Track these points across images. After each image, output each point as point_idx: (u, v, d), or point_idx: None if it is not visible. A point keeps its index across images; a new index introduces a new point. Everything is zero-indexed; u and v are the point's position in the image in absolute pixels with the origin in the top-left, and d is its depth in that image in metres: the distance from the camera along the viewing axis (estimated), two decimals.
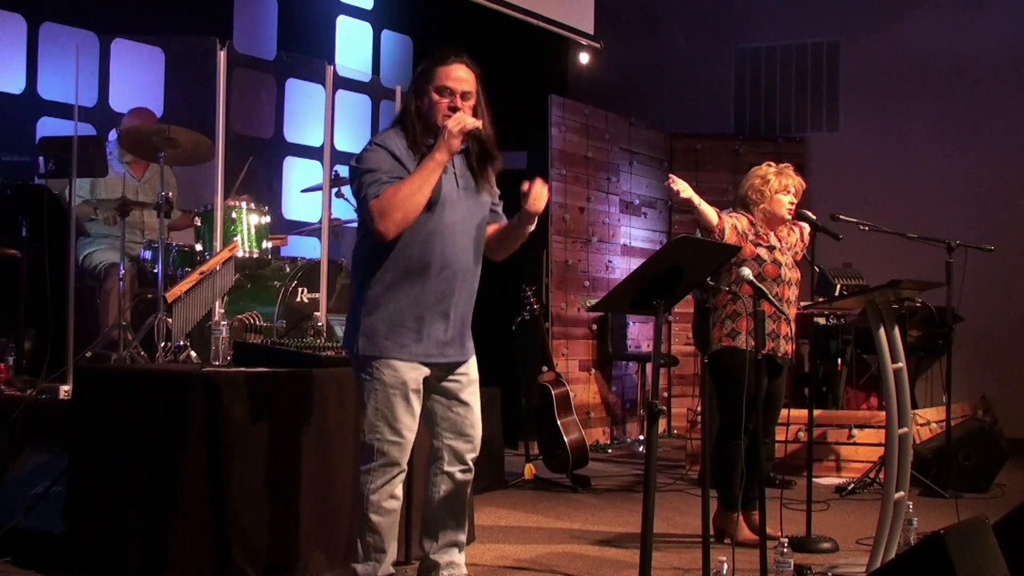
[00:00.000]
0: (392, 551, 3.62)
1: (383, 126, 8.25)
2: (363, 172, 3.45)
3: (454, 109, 3.50)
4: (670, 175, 4.62)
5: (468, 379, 3.69)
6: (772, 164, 4.95)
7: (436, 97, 3.52)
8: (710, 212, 4.70)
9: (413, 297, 3.51)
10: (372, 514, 3.53)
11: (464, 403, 3.68)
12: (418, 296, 3.51)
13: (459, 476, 3.70)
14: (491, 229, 3.73)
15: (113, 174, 5.77)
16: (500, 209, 3.77)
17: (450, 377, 3.66)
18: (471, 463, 3.72)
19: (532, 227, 3.66)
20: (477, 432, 3.72)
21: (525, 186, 3.59)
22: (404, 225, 3.42)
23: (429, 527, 3.75)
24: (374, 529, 3.54)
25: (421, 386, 3.56)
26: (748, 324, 4.64)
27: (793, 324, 4.87)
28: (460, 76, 3.53)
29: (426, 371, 3.57)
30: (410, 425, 3.54)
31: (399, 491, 3.58)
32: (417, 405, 3.56)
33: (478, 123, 3.49)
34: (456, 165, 3.59)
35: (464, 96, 3.54)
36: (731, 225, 4.75)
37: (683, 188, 4.56)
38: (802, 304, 5.30)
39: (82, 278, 5.61)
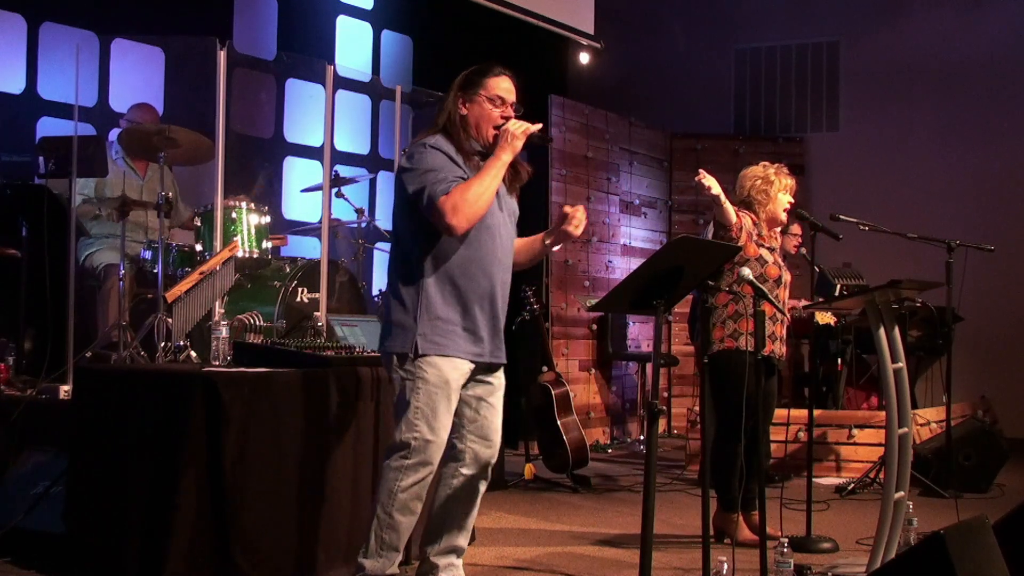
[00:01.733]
0: (402, 551, 3.63)
1: (383, 126, 8.31)
2: (424, 171, 3.49)
3: (507, 117, 3.62)
4: (700, 170, 4.56)
5: (499, 382, 3.74)
6: (768, 164, 4.95)
7: (489, 107, 3.62)
8: (732, 211, 4.70)
9: (468, 297, 3.57)
10: (396, 512, 3.53)
11: (492, 406, 3.71)
12: (472, 296, 3.57)
13: (476, 482, 3.72)
14: (518, 241, 3.81)
15: (116, 173, 5.77)
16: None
17: (485, 379, 3.68)
18: (489, 472, 3.74)
19: (557, 248, 3.88)
20: (499, 437, 3.75)
21: (568, 209, 3.71)
22: (474, 221, 3.48)
23: (433, 527, 3.75)
24: (395, 527, 3.55)
25: (460, 386, 3.60)
26: (749, 325, 4.64)
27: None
28: (509, 87, 3.67)
29: (468, 371, 3.60)
30: (447, 425, 3.58)
31: (424, 493, 3.59)
32: (455, 405, 3.60)
33: (538, 125, 3.61)
34: None
35: (512, 106, 3.66)
36: (744, 225, 4.75)
37: (713, 184, 4.53)
38: (802, 304, 5.31)
39: (82, 278, 5.60)
